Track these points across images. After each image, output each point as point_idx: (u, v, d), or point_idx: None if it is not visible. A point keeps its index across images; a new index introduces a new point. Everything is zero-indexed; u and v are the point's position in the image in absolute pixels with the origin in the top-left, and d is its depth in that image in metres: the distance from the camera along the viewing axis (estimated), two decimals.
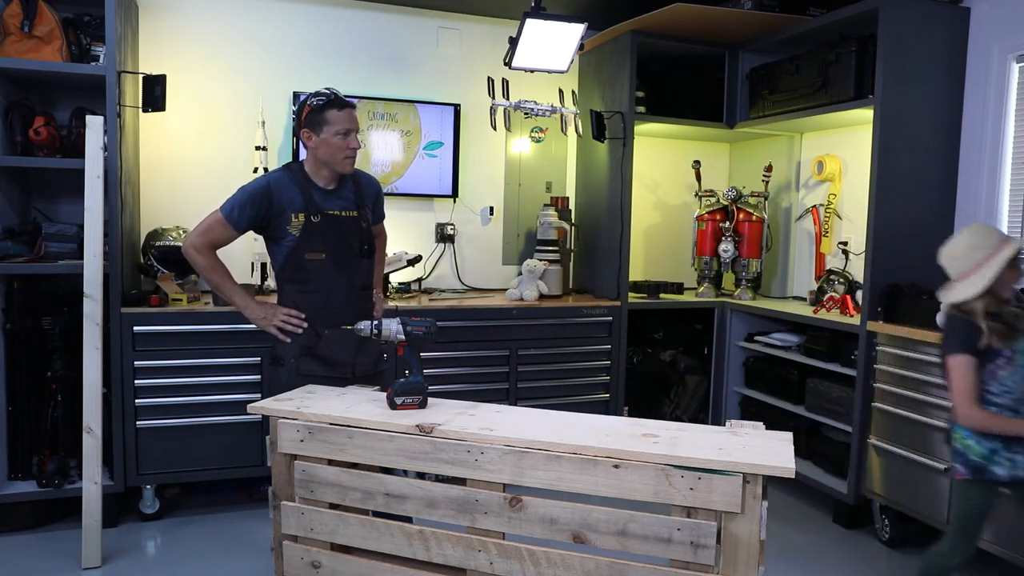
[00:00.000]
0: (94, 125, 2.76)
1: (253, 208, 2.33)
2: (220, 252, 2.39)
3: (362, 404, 2.03)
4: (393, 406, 1.97)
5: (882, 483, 3.03)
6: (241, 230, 2.37)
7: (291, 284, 2.43)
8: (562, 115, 3.80)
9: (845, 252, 3.66)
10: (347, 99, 2.40)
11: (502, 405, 2.11)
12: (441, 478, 1.83)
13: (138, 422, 3.01)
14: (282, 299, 2.46)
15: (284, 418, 1.95)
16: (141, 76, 3.10)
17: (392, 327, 2.05)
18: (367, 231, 2.50)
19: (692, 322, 4.22)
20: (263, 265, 3.45)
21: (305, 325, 2.40)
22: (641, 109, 3.90)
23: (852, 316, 3.29)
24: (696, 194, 4.27)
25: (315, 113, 2.35)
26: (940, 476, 2.77)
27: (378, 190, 2.63)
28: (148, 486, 3.09)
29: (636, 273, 4.31)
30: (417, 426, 1.83)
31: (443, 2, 3.84)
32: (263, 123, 3.56)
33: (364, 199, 2.51)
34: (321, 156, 2.38)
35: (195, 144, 3.58)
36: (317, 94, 2.37)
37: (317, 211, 2.37)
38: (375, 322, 2.05)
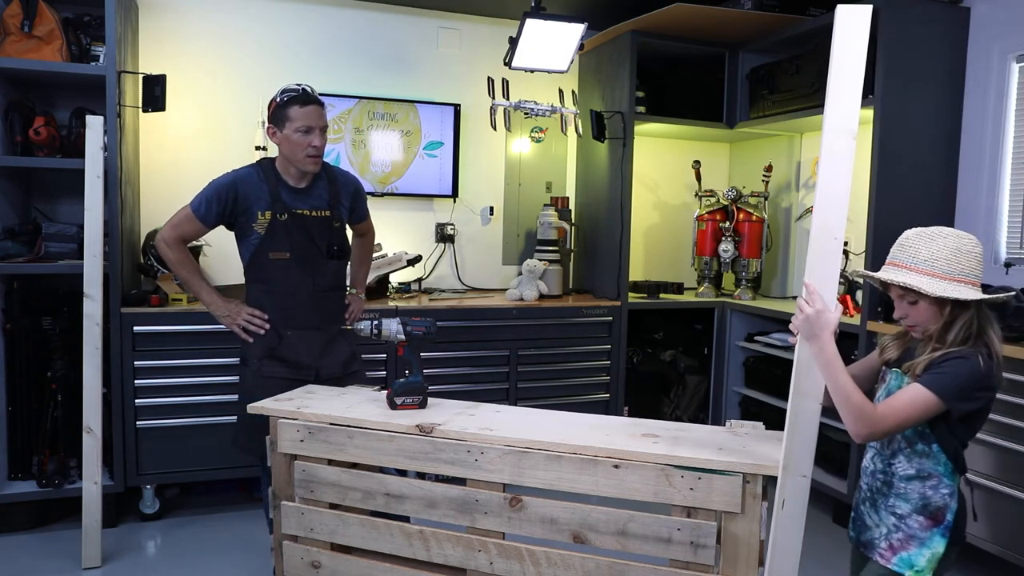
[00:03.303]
0: (94, 125, 2.76)
1: (219, 204, 2.32)
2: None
3: (362, 404, 2.03)
4: (393, 406, 1.97)
5: None
6: (209, 225, 2.36)
7: (255, 284, 2.41)
8: (562, 115, 3.79)
9: (845, 252, 3.66)
10: (315, 96, 2.36)
11: (502, 405, 2.11)
12: (441, 478, 1.83)
13: (138, 422, 3.01)
14: (248, 298, 2.43)
15: (284, 418, 1.95)
16: (141, 76, 3.09)
17: (392, 327, 2.05)
18: (339, 231, 2.46)
19: (692, 322, 4.22)
20: None
21: (267, 326, 2.38)
22: (641, 109, 3.90)
23: (852, 316, 3.30)
24: (696, 194, 4.27)
25: (279, 109, 2.33)
26: None
27: (356, 188, 2.57)
28: (148, 486, 3.09)
29: (636, 273, 4.31)
30: (417, 426, 1.83)
31: (443, 2, 3.84)
32: (263, 123, 3.56)
33: (339, 198, 2.47)
34: (284, 153, 2.35)
35: (195, 144, 3.58)
36: (284, 90, 2.35)
37: (284, 210, 2.34)
38: (375, 322, 2.05)
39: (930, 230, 1.57)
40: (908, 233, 1.60)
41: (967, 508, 1.59)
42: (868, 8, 1.44)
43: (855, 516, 1.70)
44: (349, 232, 2.61)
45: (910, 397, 1.47)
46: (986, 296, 1.51)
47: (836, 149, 1.47)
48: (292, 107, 2.31)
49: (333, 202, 2.44)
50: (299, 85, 2.36)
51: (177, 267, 2.42)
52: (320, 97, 2.39)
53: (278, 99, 2.34)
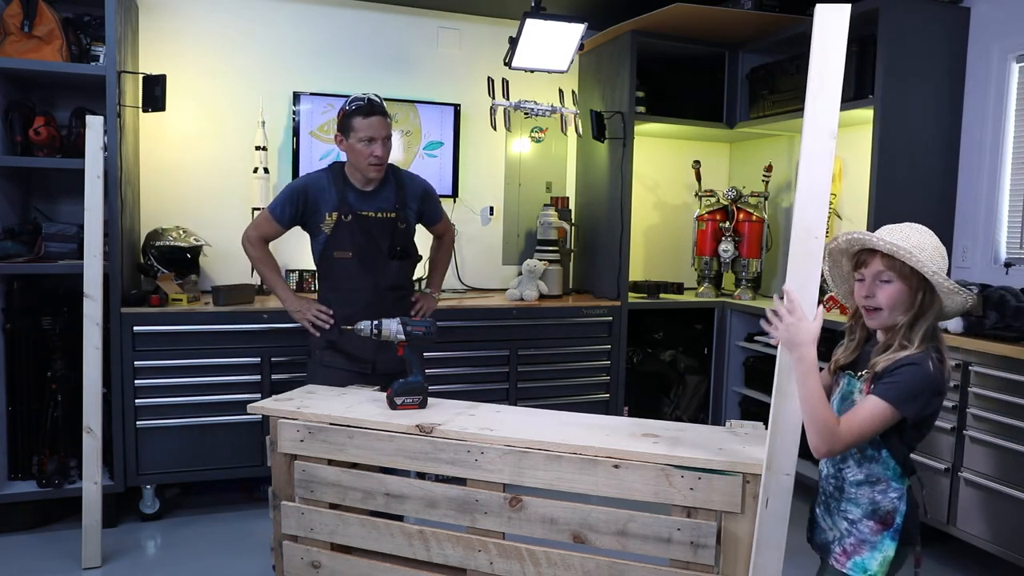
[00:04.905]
0: (94, 125, 2.76)
1: (291, 206, 2.50)
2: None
3: (362, 404, 2.03)
4: (393, 406, 1.97)
5: None
6: (284, 226, 2.55)
7: (323, 281, 2.59)
8: (562, 115, 3.79)
9: None
10: (380, 107, 2.47)
11: (502, 405, 2.12)
12: (441, 478, 1.83)
13: (138, 422, 3.01)
14: (318, 295, 2.62)
15: (284, 418, 1.95)
16: (141, 76, 3.09)
17: (392, 327, 2.05)
18: (404, 233, 2.58)
19: (692, 322, 4.22)
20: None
21: (332, 322, 2.52)
22: (641, 109, 3.90)
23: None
24: (696, 194, 4.27)
25: (345, 118, 2.47)
26: (940, 476, 2.77)
27: (425, 190, 2.70)
28: (148, 486, 3.09)
29: (636, 273, 4.31)
30: (417, 426, 1.83)
31: (443, 2, 3.84)
32: (263, 123, 3.56)
33: (406, 200, 2.60)
34: (350, 160, 2.50)
35: (195, 144, 3.58)
36: (353, 99, 2.48)
37: (349, 211, 2.48)
38: (375, 322, 2.06)
39: (909, 224, 1.56)
40: (888, 226, 1.57)
41: (918, 507, 1.59)
42: (847, 7, 1.44)
43: (811, 518, 1.72)
44: (427, 236, 2.80)
45: (866, 412, 1.46)
46: (967, 291, 1.49)
47: (816, 149, 1.46)
48: (356, 117, 2.44)
49: (399, 204, 2.56)
50: (365, 95, 2.48)
51: (257, 263, 2.61)
52: (384, 106, 2.50)
53: (345, 108, 2.47)
